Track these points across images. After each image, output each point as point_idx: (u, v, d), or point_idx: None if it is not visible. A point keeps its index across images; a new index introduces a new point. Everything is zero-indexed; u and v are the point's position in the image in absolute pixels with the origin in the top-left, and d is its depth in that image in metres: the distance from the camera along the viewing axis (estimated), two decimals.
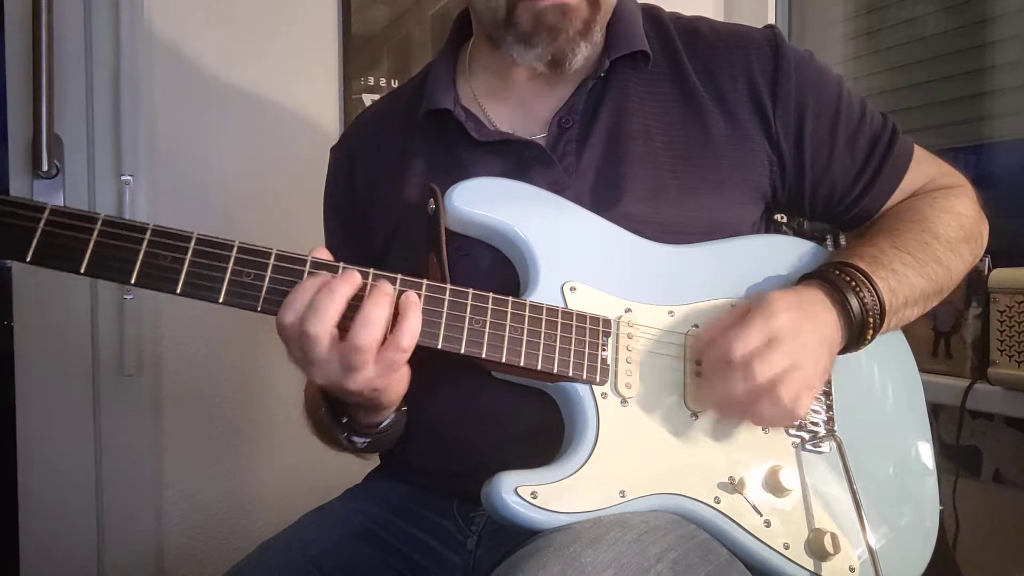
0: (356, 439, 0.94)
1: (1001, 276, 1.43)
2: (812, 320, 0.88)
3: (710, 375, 0.88)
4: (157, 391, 1.60)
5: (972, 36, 1.86)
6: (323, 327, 0.78)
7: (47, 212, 0.75)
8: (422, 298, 0.83)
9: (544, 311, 0.87)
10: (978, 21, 1.85)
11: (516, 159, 0.98)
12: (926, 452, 1.03)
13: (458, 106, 1.02)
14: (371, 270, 0.82)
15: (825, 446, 0.93)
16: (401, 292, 0.82)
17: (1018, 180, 1.68)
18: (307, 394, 1.07)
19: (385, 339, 0.80)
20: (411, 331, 0.80)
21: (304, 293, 0.79)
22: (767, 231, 1.09)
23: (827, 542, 0.88)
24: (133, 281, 0.76)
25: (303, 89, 1.70)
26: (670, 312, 0.93)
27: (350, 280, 0.79)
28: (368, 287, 0.81)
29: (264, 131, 1.67)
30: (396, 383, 0.86)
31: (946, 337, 1.54)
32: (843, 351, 0.93)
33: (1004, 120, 1.80)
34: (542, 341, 0.86)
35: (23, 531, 1.53)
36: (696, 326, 0.92)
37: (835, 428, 0.94)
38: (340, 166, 1.14)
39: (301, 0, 1.71)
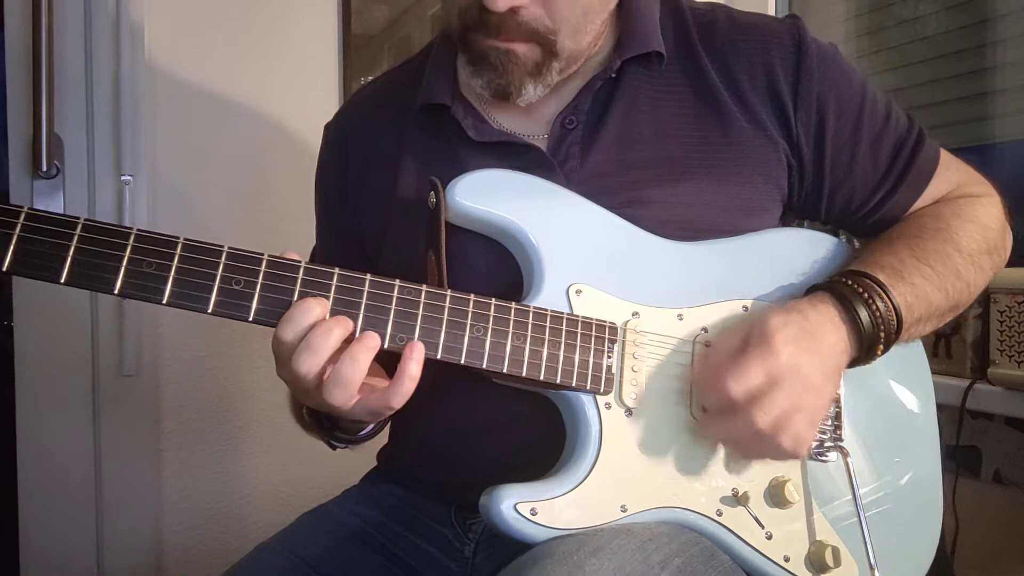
0: (336, 444, 0.94)
1: (1001, 276, 1.40)
2: (816, 352, 0.83)
3: (711, 414, 0.84)
4: (156, 391, 1.60)
5: (974, 36, 1.85)
6: (314, 365, 0.75)
7: (23, 217, 0.71)
8: (421, 306, 0.80)
9: (548, 318, 0.83)
10: (980, 21, 1.85)
11: (515, 161, 0.92)
12: (934, 459, 1.01)
13: (456, 101, 0.96)
14: (368, 276, 0.79)
15: (831, 455, 0.91)
16: (403, 340, 0.78)
17: (1020, 180, 1.67)
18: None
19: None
20: (403, 393, 0.78)
21: (304, 317, 0.76)
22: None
23: (828, 556, 0.87)
24: (116, 292, 0.73)
25: (303, 89, 1.70)
26: (679, 316, 0.89)
27: (344, 325, 0.77)
28: (389, 334, 0.78)
29: (264, 131, 1.67)
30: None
31: (946, 337, 1.53)
32: (852, 364, 0.89)
33: (1006, 120, 1.80)
34: (545, 350, 0.83)
35: (23, 530, 1.53)
36: (705, 330, 0.89)
37: (842, 438, 0.92)
38: (333, 147, 1.08)
39: (301, 1, 1.71)
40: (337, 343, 0.76)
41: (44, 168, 1.48)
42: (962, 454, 1.53)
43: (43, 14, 1.44)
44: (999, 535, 1.47)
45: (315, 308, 0.76)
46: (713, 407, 0.84)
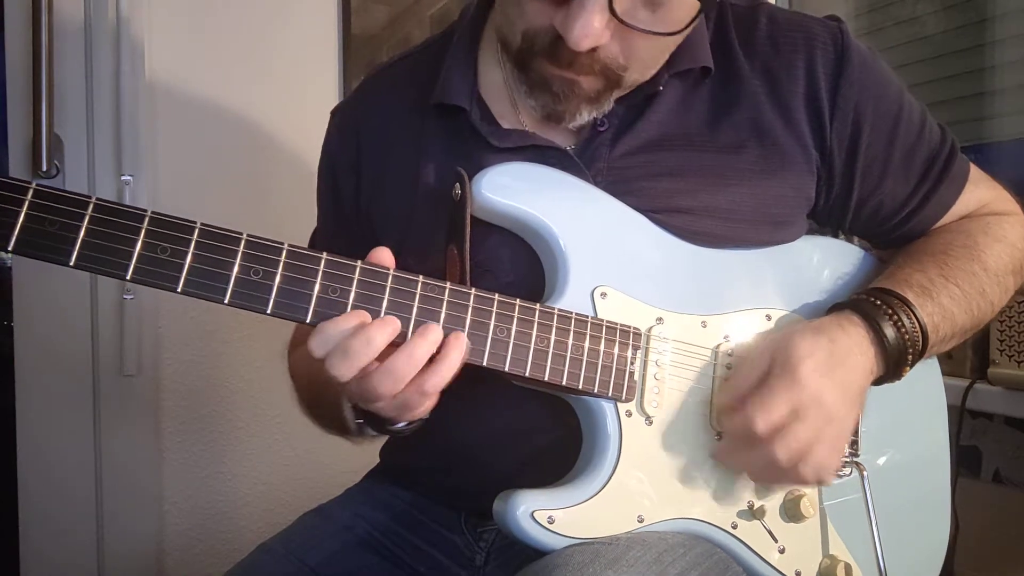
0: (369, 430, 0.86)
1: None
2: (842, 380, 0.81)
3: (730, 441, 0.84)
4: (157, 391, 1.60)
5: (973, 35, 1.86)
6: (349, 371, 0.72)
7: (31, 193, 0.67)
8: (444, 304, 0.77)
9: (573, 321, 0.81)
10: (979, 20, 1.85)
11: (539, 161, 0.88)
12: (943, 469, 1.01)
13: (474, 103, 0.92)
14: (391, 270, 0.76)
15: (846, 470, 0.91)
16: (449, 331, 0.76)
17: (1019, 180, 1.67)
18: (296, 361, 1.04)
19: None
20: (441, 378, 0.74)
21: (337, 328, 0.72)
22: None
23: (840, 571, 0.87)
24: (129, 277, 0.69)
25: (303, 89, 1.70)
26: (703, 323, 0.87)
27: (391, 327, 0.73)
28: (412, 330, 0.74)
29: (264, 131, 1.67)
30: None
31: None
32: (878, 382, 0.88)
33: (1005, 120, 1.80)
34: (568, 354, 0.80)
35: (23, 530, 1.53)
36: (727, 338, 0.88)
37: (858, 453, 0.91)
38: (347, 131, 1.03)
39: (301, 1, 1.70)
40: (378, 351, 0.72)
41: (44, 168, 1.47)
42: (962, 454, 1.54)
43: (43, 15, 1.44)
44: (999, 535, 1.48)
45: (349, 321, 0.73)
46: (734, 435, 0.82)
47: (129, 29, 1.54)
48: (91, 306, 1.55)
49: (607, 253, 0.85)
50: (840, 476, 0.90)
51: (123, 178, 1.55)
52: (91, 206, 0.68)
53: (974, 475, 1.55)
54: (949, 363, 1.53)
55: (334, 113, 1.08)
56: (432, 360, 0.75)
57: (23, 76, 1.48)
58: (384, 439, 1.09)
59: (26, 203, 0.67)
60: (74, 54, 1.53)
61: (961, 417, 1.47)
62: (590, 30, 0.77)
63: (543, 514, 0.78)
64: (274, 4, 1.68)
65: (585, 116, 0.88)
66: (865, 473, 0.90)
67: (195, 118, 1.62)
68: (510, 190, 0.84)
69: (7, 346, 1.54)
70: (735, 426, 0.81)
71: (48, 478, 1.53)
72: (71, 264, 0.68)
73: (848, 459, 0.91)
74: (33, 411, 1.53)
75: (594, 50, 0.80)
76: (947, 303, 0.89)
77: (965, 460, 1.55)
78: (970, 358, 1.50)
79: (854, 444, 0.92)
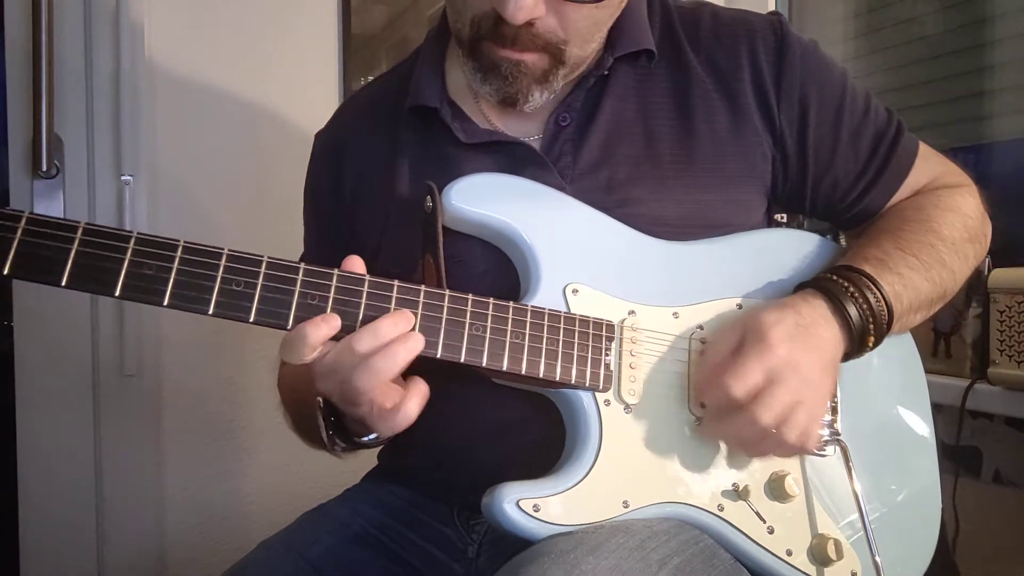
0: (339, 442, 0.88)
1: (1001, 276, 1.43)
2: (813, 347, 0.84)
3: (714, 414, 0.86)
4: (157, 391, 1.60)
5: (972, 35, 1.86)
6: (296, 359, 0.78)
7: (24, 221, 0.71)
8: (420, 306, 0.80)
9: (546, 316, 0.85)
10: (978, 20, 1.85)
11: (508, 160, 0.94)
12: (930, 452, 1.02)
13: (444, 103, 0.98)
14: (367, 276, 0.79)
15: (829, 449, 0.92)
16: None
17: (1018, 180, 1.68)
18: (283, 377, 1.07)
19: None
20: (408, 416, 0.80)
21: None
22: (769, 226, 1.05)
23: (830, 548, 0.88)
24: (117, 294, 0.73)
25: (303, 89, 1.70)
26: (675, 314, 0.90)
27: (328, 324, 0.77)
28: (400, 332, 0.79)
29: (264, 131, 1.67)
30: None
31: (946, 337, 1.54)
32: (845, 359, 0.90)
33: (1004, 119, 1.80)
34: (544, 347, 0.84)
35: (23, 530, 1.53)
36: (701, 327, 0.90)
37: (839, 432, 0.93)
38: (327, 157, 1.09)
39: (301, 0, 1.71)
40: (316, 345, 0.77)
41: (44, 168, 1.48)
42: (962, 454, 1.54)
43: (43, 14, 1.44)
44: (999, 535, 1.48)
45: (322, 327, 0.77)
46: (715, 407, 0.85)
47: (129, 30, 1.55)
48: (91, 306, 1.56)
49: (576, 252, 0.89)
50: (823, 454, 0.92)
51: (123, 178, 1.55)
52: (80, 230, 0.72)
53: (974, 475, 1.55)
54: (949, 363, 1.53)
55: (316, 138, 1.13)
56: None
57: (23, 76, 1.48)
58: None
59: (19, 230, 0.71)
60: (74, 53, 1.53)
61: (961, 417, 1.47)
62: (523, 2, 0.83)
63: (528, 503, 0.80)
64: (274, 4, 1.68)
65: (537, 97, 0.93)
66: (847, 452, 0.91)
67: (195, 118, 1.63)
68: (479, 199, 0.88)
69: (7, 346, 1.54)
70: (714, 398, 0.84)
71: (48, 478, 1.54)
72: (62, 285, 0.71)
73: (829, 438, 0.92)
74: (33, 411, 1.53)
75: (532, 24, 0.87)
76: (906, 272, 0.92)
77: (965, 460, 1.55)
78: (970, 358, 1.50)
79: (834, 423, 0.94)
